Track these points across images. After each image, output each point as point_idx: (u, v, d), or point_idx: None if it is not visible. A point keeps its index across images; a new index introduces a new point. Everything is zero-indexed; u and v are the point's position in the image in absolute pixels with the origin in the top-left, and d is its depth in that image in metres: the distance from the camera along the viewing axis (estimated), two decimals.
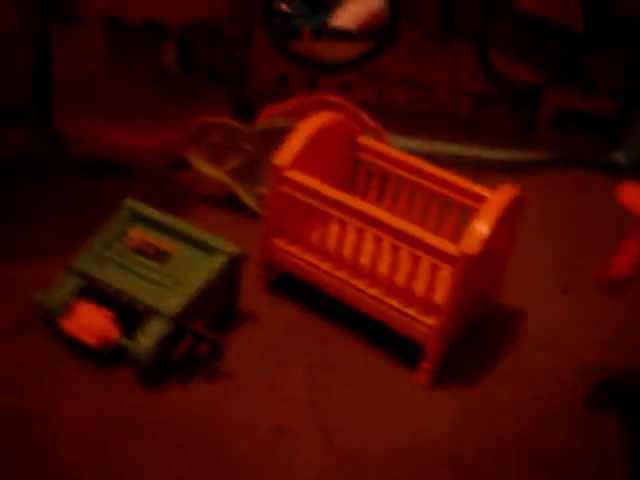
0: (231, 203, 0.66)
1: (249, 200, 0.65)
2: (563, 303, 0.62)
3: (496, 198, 0.49)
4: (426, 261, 0.49)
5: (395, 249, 0.50)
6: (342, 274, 0.53)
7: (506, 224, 0.50)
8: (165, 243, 0.53)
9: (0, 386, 0.48)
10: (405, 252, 0.50)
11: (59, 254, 0.55)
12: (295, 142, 0.54)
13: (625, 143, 0.87)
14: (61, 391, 0.48)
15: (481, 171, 0.69)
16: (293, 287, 0.58)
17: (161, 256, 0.53)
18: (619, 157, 0.86)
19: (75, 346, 0.50)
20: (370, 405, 0.50)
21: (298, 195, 0.53)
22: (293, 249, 0.55)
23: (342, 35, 0.90)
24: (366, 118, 0.69)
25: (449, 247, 0.48)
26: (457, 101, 0.85)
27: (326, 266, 0.53)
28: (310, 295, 0.56)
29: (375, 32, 0.86)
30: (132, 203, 0.55)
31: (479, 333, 0.56)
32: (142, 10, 0.65)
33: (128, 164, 0.66)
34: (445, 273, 0.49)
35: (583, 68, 0.89)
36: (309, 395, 0.50)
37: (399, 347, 0.53)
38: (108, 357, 0.50)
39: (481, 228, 0.47)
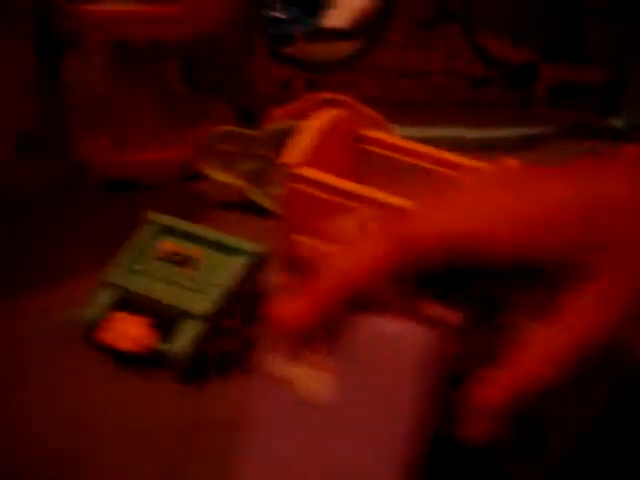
0: (245, 206, 0.69)
1: (264, 201, 0.67)
2: None
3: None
4: None
5: None
6: None
7: None
8: (191, 249, 0.56)
9: (44, 402, 0.51)
10: None
11: (91, 271, 0.58)
12: (302, 140, 0.56)
13: (621, 108, 0.89)
14: (106, 400, 0.51)
15: (484, 151, 0.71)
16: None
17: (188, 262, 0.55)
18: (617, 122, 0.88)
19: (115, 356, 0.52)
20: None
21: (312, 190, 0.55)
22: (312, 243, 0.57)
23: (336, 35, 0.93)
24: (368, 112, 0.72)
25: None
26: (454, 86, 0.88)
27: None
28: None
29: (368, 27, 0.89)
30: (155, 216, 0.58)
31: None
32: (145, 31, 0.68)
33: (144, 181, 0.69)
34: None
35: (574, 40, 0.91)
36: None
37: None
38: (148, 363, 0.52)
39: None
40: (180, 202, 0.69)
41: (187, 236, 0.56)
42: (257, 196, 0.68)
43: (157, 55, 0.75)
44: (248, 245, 0.55)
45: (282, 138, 0.65)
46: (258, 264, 0.55)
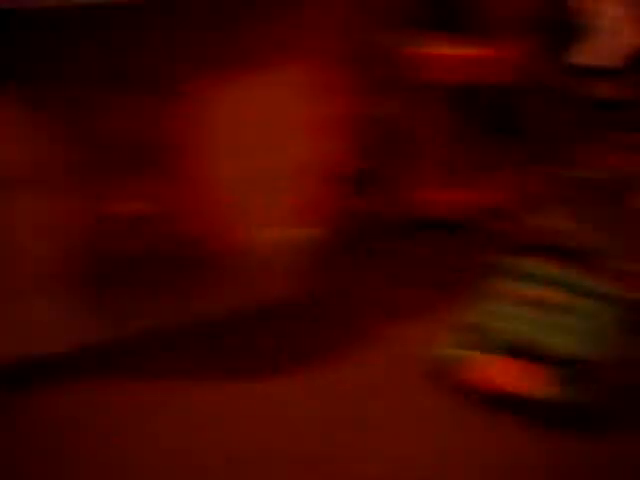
0: (559, 250, 0.67)
1: (593, 244, 0.65)
2: None
3: None
4: None
5: None
6: None
7: None
8: (555, 295, 0.54)
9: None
10: None
11: (434, 310, 0.58)
12: None
13: None
14: (465, 443, 0.50)
15: None
16: None
17: (555, 307, 0.54)
18: None
19: (484, 398, 0.52)
20: None
21: None
22: None
23: (605, 73, 0.90)
24: None
25: None
26: None
27: None
28: None
29: None
30: (508, 259, 0.58)
31: None
32: (462, 73, 0.68)
33: (463, 221, 0.69)
34: None
35: None
36: None
37: None
38: (542, 410, 0.50)
39: None
40: (498, 242, 0.68)
41: (546, 280, 0.55)
42: (587, 237, 0.66)
43: (466, 97, 0.76)
44: (617, 291, 0.53)
45: (615, 182, 0.64)
46: (631, 311, 0.53)
